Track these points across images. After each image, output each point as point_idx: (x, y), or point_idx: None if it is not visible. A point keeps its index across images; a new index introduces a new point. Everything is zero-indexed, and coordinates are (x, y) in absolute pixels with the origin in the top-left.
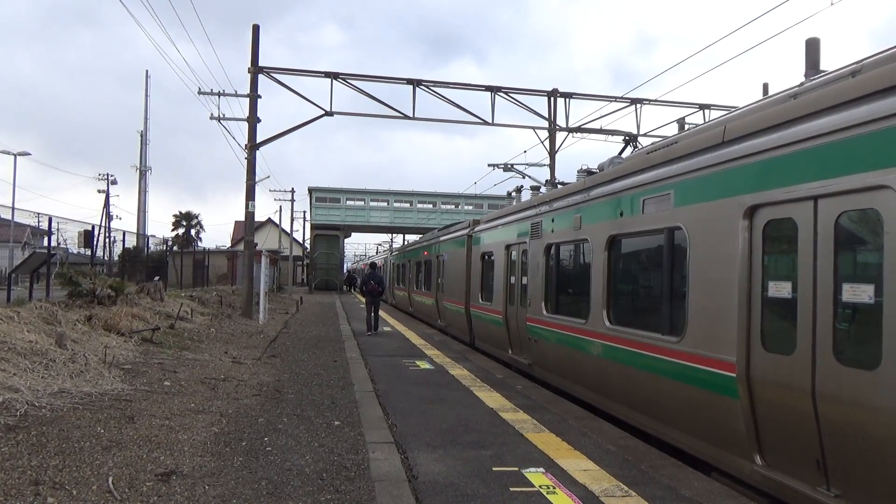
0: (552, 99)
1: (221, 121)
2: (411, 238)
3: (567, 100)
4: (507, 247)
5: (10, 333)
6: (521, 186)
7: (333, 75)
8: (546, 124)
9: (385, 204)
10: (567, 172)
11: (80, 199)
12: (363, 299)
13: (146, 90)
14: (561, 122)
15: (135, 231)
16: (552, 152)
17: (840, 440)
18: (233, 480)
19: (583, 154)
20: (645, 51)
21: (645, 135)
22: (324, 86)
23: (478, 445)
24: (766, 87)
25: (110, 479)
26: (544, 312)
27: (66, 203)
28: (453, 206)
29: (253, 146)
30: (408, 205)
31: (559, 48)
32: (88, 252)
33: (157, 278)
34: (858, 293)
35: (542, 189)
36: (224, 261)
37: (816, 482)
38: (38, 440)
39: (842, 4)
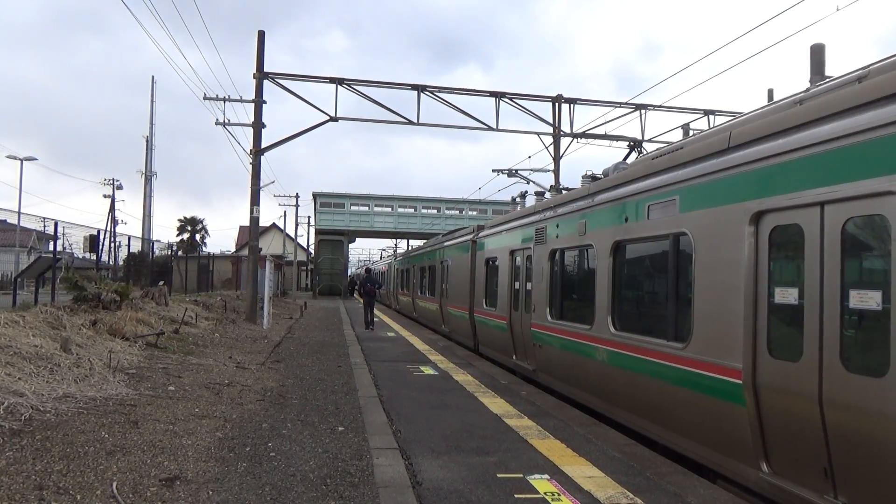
0: (557, 104)
1: (226, 126)
2: (415, 243)
3: (571, 105)
4: (512, 252)
5: (16, 338)
6: (526, 192)
7: (338, 81)
8: (550, 130)
9: (389, 209)
10: (571, 178)
11: (85, 204)
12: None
13: (152, 96)
14: (565, 127)
15: (140, 236)
16: (556, 158)
17: (847, 447)
18: (236, 486)
19: (587, 159)
20: (650, 57)
21: (650, 140)
22: (329, 91)
23: (482, 452)
24: (771, 92)
25: (114, 485)
26: (549, 318)
27: (71, 208)
28: (457, 212)
29: (258, 151)
30: (412, 210)
31: (565, 54)
32: (94, 257)
33: (161, 283)
34: (865, 299)
35: (547, 194)
36: (229, 265)
37: (823, 490)
38: (43, 445)
39: (848, 11)
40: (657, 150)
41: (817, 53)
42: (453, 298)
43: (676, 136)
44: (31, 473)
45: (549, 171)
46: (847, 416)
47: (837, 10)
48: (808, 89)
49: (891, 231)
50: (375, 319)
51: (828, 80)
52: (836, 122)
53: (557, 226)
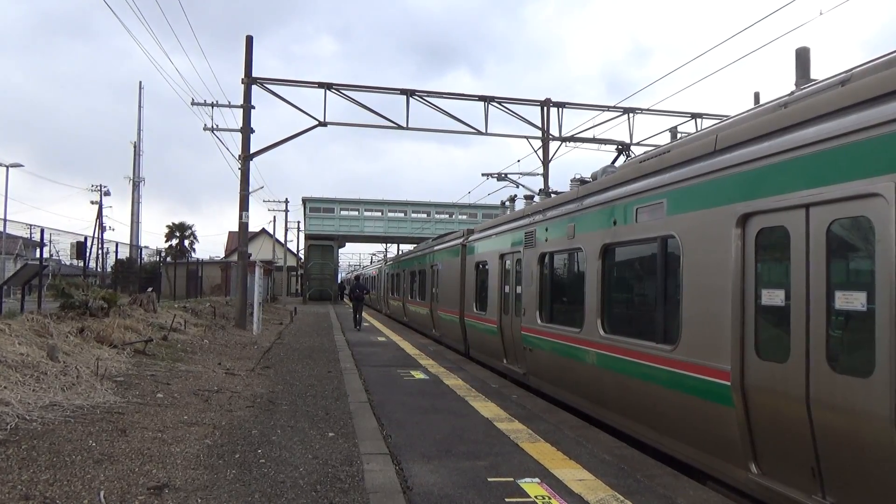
0: (545, 108)
1: (215, 131)
2: (406, 247)
3: (560, 109)
4: (502, 256)
5: (2, 346)
6: (515, 196)
7: (327, 86)
8: (539, 134)
9: (379, 214)
10: (560, 181)
11: (72, 210)
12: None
13: (140, 101)
14: (554, 131)
15: (128, 242)
16: (545, 161)
17: (835, 448)
18: (226, 493)
19: (576, 163)
20: (640, 61)
21: (638, 144)
22: (318, 96)
23: (473, 456)
24: (757, 95)
25: (102, 493)
26: (539, 321)
27: (58, 214)
28: (447, 216)
29: (246, 157)
30: (402, 214)
31: (555, 58)
32: (81, 264)
33: (150, 289)
34: (851, 300)
35: (536, 198)
36: (218, 271)
37: (811, 490)
38: (29, 454)
39: (833, 15)
40: (645, 153)
41: (802, 56)
42: (444, 302)
43: (664, 139)
44: (16, 483)
45: (538, 174)
46: (834, 416)
47: (821, 13)
48: (793, 92)
49: (875, 232)
50: (366, 324)
51: (813, 83)
52: (821, 125)
53: (546, 229)
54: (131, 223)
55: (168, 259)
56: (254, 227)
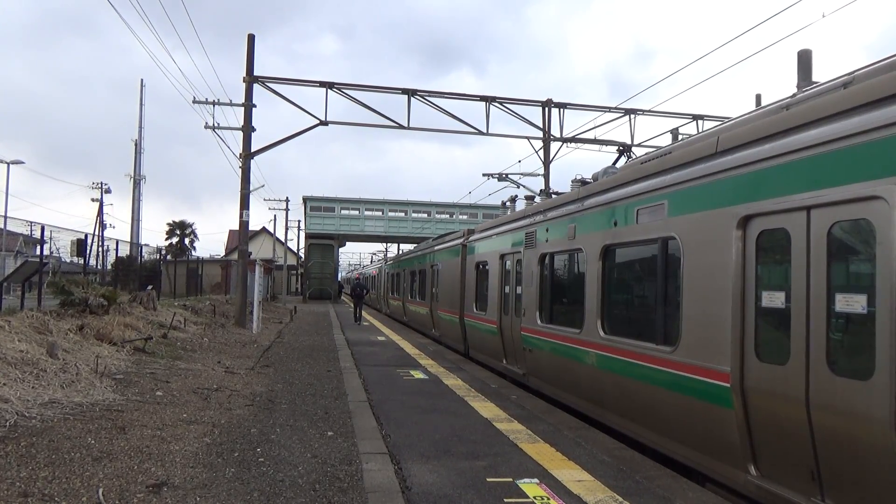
0: (547, 109)
1: (216, 130)
2: (406, 247)
3: (561, 110)
4: (502, 256)
5: (1, 343)
6: (516, 196)
7: (328, 85)
8: (541, 134)
9: (380, 213)
10: (561, 182)
11: (73, 207)
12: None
13: (141, 99)
14: (555, 131)
15: (128, 240)
16: (546, 162)
17: (834, 450)
18: (224, 492)
19: (577, 164)
20: (642, 62)
21: (639, 145)
22: (319, 95)
23: (472, 456)
24: (758, 97)
25: (101, 491)
26: (539, 322)
27: (59, 212)
28: (448, 216)
29: (247, 155)
30: (402, 214)
31: (557, 59)
32: (81, 261)
33: (150, 287)
34: (851, 303)
35: (537, 199)
36: (218, 270)
37: (811, 492)
38: (28, 451)
39: (836, 18)
40: (646, 154)
41: (804, 59)
42: (443, 302)
43: (666, 140)
44: (15, 480)
45: (539, 175)
46: (833, 418)
47: (823, 16)
48: (795, 95)
49: (876, 235)
50: (365, 323)
51: (815, 85)
52: (822, 128)
53: (547, 230)
54: (132, 221)
55: (168, 257)
56: (254, 225)
